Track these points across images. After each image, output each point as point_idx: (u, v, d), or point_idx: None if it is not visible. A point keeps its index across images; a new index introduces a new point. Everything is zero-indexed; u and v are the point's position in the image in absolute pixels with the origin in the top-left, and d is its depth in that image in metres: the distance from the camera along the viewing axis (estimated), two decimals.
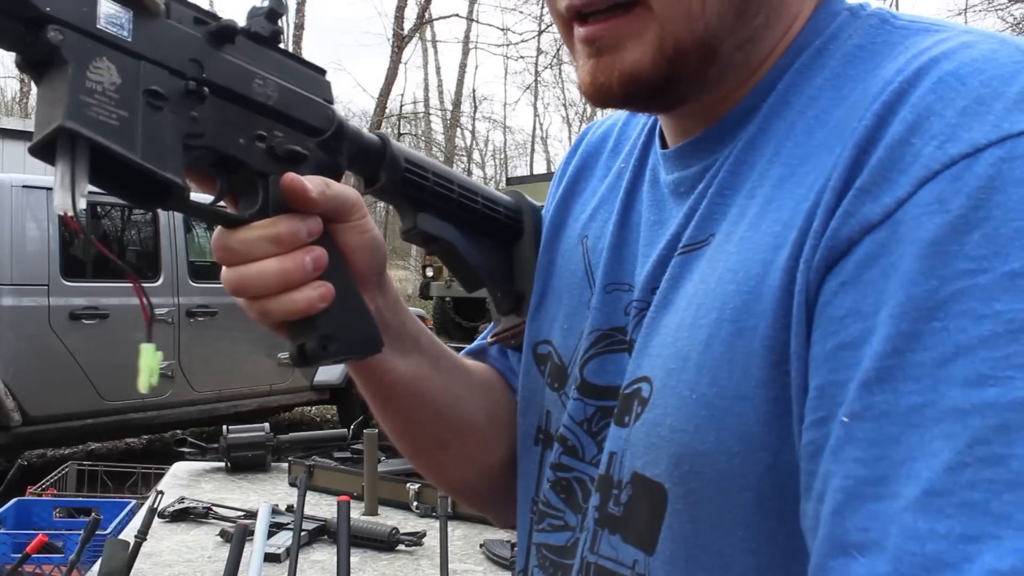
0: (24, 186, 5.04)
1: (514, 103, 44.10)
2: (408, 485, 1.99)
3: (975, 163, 0.39)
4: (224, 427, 2.43)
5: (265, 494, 2.15)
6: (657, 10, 0.51)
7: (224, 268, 0.57)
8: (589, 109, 27.81)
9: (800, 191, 0.48)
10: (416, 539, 1.76)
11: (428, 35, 25.17)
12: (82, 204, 0.46)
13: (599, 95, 0.55)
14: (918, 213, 0.40)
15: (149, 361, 0.52)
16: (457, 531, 1.81)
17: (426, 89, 27.49)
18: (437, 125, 26.76)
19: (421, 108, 26.54)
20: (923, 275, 0.39)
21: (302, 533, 1.60)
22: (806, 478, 0.43)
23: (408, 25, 15.63)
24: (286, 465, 2.31)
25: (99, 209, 5.68)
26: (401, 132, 24.46)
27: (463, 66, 25.10)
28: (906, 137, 0.42)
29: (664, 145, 0.63)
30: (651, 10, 0.52)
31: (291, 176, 0.56)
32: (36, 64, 0.47)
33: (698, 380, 0.49)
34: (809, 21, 0.56)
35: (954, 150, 0.40)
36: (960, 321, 0.37)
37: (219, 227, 0.57)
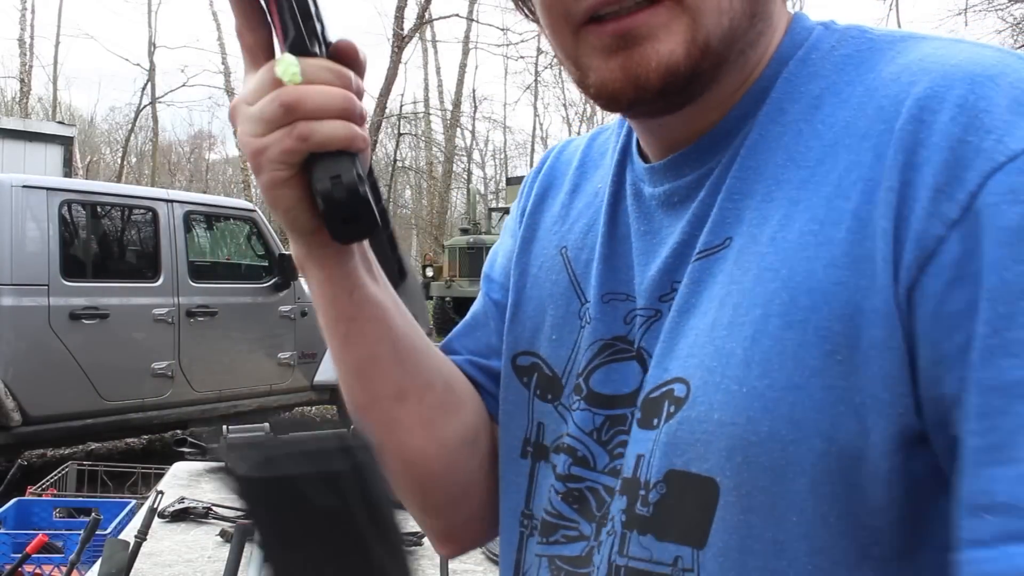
0: (24, 186, 5.05)
1: (514, 103, 44.16)
2: None
3: None
4: (224, 427, 2.43)
5: None
6: (688, 2, 0.52)
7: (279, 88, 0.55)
8: (589, 108, 27.86)
9: (826, 189, 0.51)
10: (416, 539, 1.76)
11: (428, 35, 25.23)
12: None
13: (632, 90, 0.54)
14: (994, 202, 0.44)
15: (289, 66, 0.53)
16: None
17: (426, 89, 27.55)
18: (437, 125, 26.82)
19: (421, 108, 26.58)
20: (1013, 260, 0.43)
21: None
22: None
23: (408, 25, 15.65)
24: None
25: (99, 209, 5.69)
26: (401, 132, 24.47)
27: (463, 66, 25.15)
28: (963, 136, 0.46)
29: (646, 161, 0.65)
30: (681, 2, 0.52)
31: (349, 38, 0.57)
32: None
33: (746, 374, 0.51)
34: (786, 36, 0.59)
35: (1015, 144, 0.45)
36: None
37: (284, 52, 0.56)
